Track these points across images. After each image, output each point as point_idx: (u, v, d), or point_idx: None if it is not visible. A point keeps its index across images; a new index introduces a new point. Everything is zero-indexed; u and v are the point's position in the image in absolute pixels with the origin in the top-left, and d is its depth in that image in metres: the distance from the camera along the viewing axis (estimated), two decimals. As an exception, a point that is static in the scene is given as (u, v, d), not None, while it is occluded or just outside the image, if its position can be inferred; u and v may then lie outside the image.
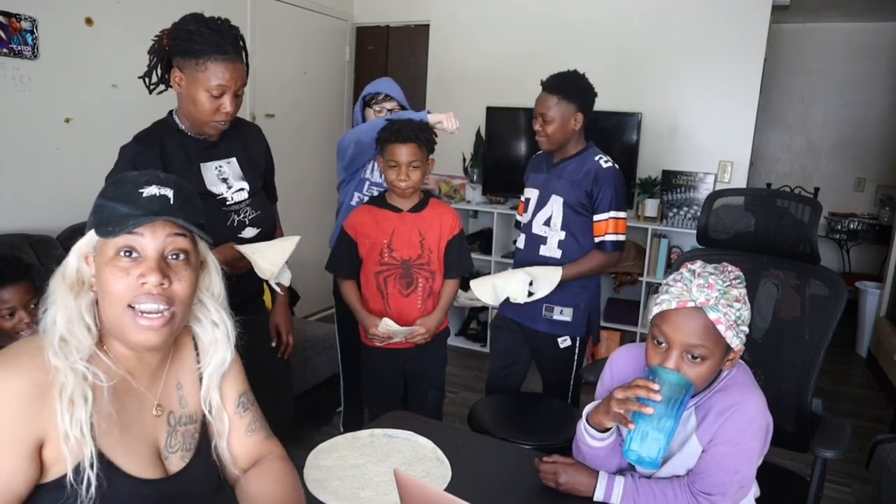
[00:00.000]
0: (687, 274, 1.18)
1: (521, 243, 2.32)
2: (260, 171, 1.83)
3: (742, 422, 1.20)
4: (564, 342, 2.22)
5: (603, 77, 4.21)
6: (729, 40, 3.67)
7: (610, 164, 2.16)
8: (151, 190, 0.94)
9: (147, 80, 1.65)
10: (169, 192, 0.95)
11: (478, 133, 4.17)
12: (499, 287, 2.14)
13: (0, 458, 0.83)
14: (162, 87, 1.67)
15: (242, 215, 1.74)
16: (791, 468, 1.82)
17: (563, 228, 2.17)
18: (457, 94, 4.33)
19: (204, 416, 1.09)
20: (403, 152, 1.96)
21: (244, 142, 1.80)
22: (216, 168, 1.71)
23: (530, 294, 2.12)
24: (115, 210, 0.93)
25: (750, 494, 1.39)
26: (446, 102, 4.36)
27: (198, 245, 1.01)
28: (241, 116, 3.90)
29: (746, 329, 1.18)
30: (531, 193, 2.27)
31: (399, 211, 2.06)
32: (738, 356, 1.21)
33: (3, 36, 2.47)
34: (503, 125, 4.08)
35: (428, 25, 4.42)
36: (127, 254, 0.92)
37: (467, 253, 2.18)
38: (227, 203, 1.71)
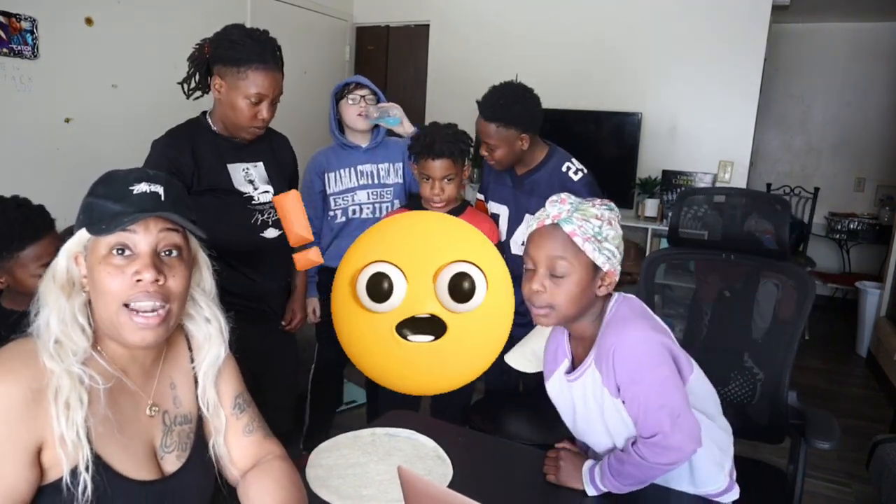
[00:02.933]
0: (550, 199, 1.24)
1: None
2: (286, 177, 1.88)
3: (628, 357, 1.17)
4: None
5: (603, 77, 4.24)
6: (729, 40, 3.67)
7: (580, 174, 2.01)
8: (142, 187, 0.92)
9: (185, 85, 1.72)
10: (160, 189, 0.94)
11: (478, 133, 4.17)
12: (540, 351, 2.03)
13: (3, 467, 0.82)
14: (198, 93, 1.74)
15: (266, 216, 1.79)
16: (764, 460, 1.82)
17: None
18: (456, 94, 4.33)
19: (199, 415, 1.08)
20: (437, 167, 1.90)
21: (272, 149, 1.86)
22: (243, 170, 1.76)
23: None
24: (107, 208, 0.91)
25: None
26: (446, 102, 4.37)
27: (189, 241, 1.00)
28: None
29: (614, 250, 1.19)
30: (499, 209, 2.12)
31: None
32: (613, 281, 1.21)
33: (3, 36, 2.47)
34: (503, 125, 4.08)
35: (428, 25, 4.42)
36: (120, 251, 0.91)
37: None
38: (253, 202, 1.76)
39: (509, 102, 1.95)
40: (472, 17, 4.28)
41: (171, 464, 1.01)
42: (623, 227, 1.29)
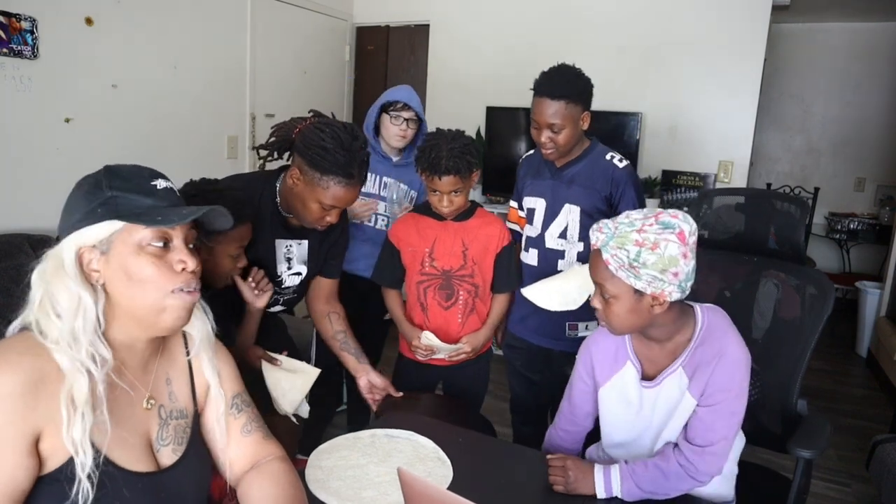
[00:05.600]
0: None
1: (531, 259, 2.07)
2: (323, 257, 1.86)
3: (731, 367, 1.25)
4: None
5: (603, 77, 4.20)
6: (729, 40, 3.66)
7: (624, 162, 1.98)
8: (161, 182, 1.00)
9: (262, 151, 1.70)
10: (173, 186, 1.03)
11: (478, 133, 4.17)
12: (569, 290, 1.91)
13: (2, 457, 0.83)
14: (272, 159, 1.72)
15: (281, 296, 1.80)
16: (779, 469, 1.81)
17: (580, 239, 1.99)
18: (456, 94, 4.33)
19: (195, 411, 1.10)
20: (444, 184, 1.85)
21: (327, 230, 1.78)
22: (286, 246, 1.76)
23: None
24: (139, 201, 0.96)
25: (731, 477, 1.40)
26: (446, 102, 4.37)
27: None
28: (242, 116, 3.84)
29: (656, 274, 1.17)
30: (535, 203, 2.05)
31: (442, 219, 1.96)
32: (664, 300, 1.21)
33: (3, 36, 2.47)
34: (503, 125, 4.08)
35: (428, 25, 4.42)
36: (160, 243, 0.96)
37: (516, 267, 2.05)
38: (279, 285, 1.77)
39: (572, 78, 1.88)
40: (472, 17, 4.27)
41: (167, 457, 1.03)
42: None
